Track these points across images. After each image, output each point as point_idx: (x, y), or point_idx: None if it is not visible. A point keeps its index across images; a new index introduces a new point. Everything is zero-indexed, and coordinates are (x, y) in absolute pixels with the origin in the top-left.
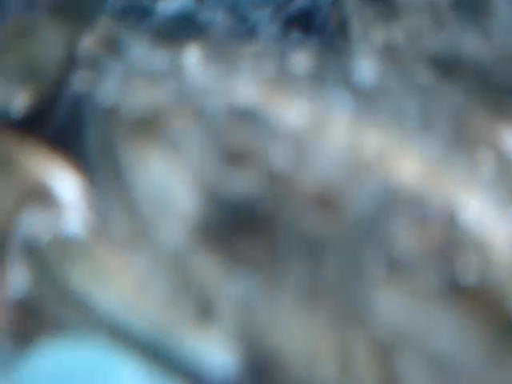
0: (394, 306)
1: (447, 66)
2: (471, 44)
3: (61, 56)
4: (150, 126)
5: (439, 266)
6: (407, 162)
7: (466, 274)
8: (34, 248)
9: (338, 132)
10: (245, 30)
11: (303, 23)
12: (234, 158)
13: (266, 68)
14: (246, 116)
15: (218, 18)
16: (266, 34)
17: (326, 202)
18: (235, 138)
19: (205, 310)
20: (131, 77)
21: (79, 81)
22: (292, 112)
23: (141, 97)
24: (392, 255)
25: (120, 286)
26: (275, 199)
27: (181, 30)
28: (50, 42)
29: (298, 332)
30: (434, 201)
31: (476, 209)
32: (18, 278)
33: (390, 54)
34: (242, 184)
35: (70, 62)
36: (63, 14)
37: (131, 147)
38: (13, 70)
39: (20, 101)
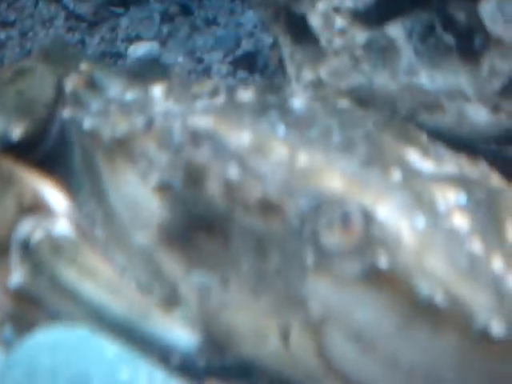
0: (322, 289)
1: (361, 98)
2: (380, 80)
3: (51, 93)
4: (124, 146)
5: (358, 255)
6: (331, 174)
7: (380, 262)
8: (31, 247)
9: (276, 150)
10: (201, 70)
11: (248, 64)
12: (193, 171)
13: (218, 100)
14: (203, 138)
15: (178, 59)
16: (219, 73)
17: (268, 206)
18: (193, 156)
19: (171, 296)
20: (109, 108)
21: (66, 113)
22: (240, 135)
23: (117, 124)
24: (321, 248)
25: (103, 276)
26: (227, 205)
27: (148, 70)
28: (41, 82)
29: (247, 313)
30: (353, 204)
31: (386, 210)
32: (18, 272)
33: (316, 88)
34: (200, 193)
35: (59, 98)
36: (51, 59)
37: (109, 164)
38: (11, 105)
39: (18, 129)
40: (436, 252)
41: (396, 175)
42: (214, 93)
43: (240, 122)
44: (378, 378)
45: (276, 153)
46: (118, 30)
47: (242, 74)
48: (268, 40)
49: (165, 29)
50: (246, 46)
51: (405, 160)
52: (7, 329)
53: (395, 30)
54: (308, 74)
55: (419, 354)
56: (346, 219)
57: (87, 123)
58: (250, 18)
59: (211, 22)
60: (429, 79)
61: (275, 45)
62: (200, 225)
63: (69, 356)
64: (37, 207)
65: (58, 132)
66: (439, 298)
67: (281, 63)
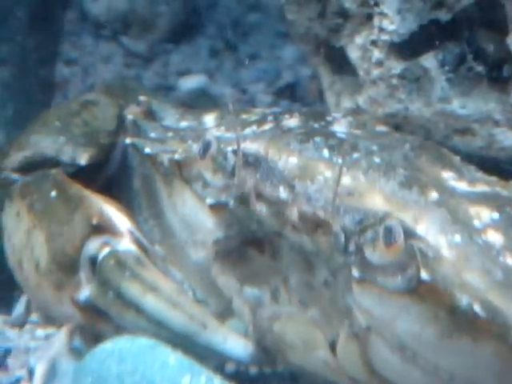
0: (367, 301)
1: (398, 123)
2: (415, 107)
3: (113, 123)
4: (182, 170)
5: (401, 269)
6: (373, 194)
7: (421, 275)
8: (99, 264)
9: (320, 171)
10: (246, 100)
11: (289, 93)
12: (246, 192)
13: (266, 127)
14: (254, 162)
15: (226, 91)
16: (262, 102)
17: (315, 223)
18: (246, 178)
19: (226, 308)
20: (166, 136)
21: (127, 140)
22: (288, 158)
23: (174, 149)
24: (365, 262)
25: (163, 290)
26: (277, 223)
27: (198, 100)
28: (104, 113)
29: (296, 323)
30: (395, 221)
31: (425, 226)
32: (87, 287)
33: (355, 115)
34: (252, 212)
35: (120, 127)
36: (114, 92)
37: (167, 186)
38: (79, 134)
39: (85, 155)
40: (473, 265)
41: (433, 195)
42: (262, 120)
43: (287, 147)
44: None
45: (321, 175)
46: (169, 64)
47: (283, 103)
48: (306, 71)
49: (212, 63)
50: (287, 77)
51: (440, 180)
52: (77, 339)
53: (429, 61)
54: (347, 102)
55: (459, 362)
56: (388, 235)
57: (147, 149)
58: (289, 52)
59: (254, 56)
60: (460, 106)
61: (314, 76)
62: (252, 241)
63: (134, 364)
64: (103, 227)
65: (120, 157)
66: (477, 309)
67: (319, 92)
